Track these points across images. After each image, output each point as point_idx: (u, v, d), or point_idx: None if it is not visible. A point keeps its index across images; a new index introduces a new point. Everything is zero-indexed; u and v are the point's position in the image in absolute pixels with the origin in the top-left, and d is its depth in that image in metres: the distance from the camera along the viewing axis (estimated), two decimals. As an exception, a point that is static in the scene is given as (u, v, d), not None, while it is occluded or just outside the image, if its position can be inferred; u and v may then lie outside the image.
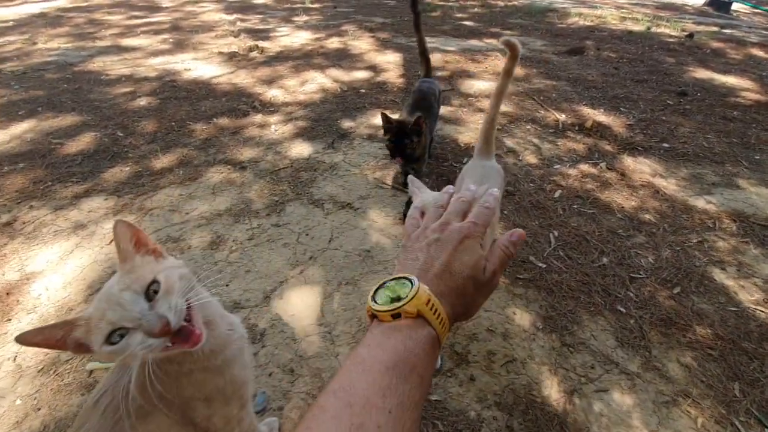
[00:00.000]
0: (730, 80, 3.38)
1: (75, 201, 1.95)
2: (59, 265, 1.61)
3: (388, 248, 1.66)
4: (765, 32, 5.15)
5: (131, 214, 1.87)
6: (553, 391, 1.15)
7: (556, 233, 1.74)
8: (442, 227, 0.48)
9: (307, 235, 1.74)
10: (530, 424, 1.06)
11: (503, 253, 0.47)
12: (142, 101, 2.96)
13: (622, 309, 1.40)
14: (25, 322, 1.39)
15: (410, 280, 0.42)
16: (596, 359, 1.24)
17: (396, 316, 0.41)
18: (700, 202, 1.93)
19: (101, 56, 3.93)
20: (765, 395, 1.14)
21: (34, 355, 1.29)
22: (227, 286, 1.50)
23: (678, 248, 1.67)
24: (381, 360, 0.37)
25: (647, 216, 1.85)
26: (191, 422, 0.73)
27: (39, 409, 1.14)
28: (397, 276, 0.44)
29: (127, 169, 2.19)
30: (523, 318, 1.37)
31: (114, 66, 3.68)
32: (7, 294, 1.49)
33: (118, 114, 2.77)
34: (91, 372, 1.22)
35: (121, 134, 2.52)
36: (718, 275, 1.55)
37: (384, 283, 0.44)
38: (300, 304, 1.43)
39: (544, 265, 1.58)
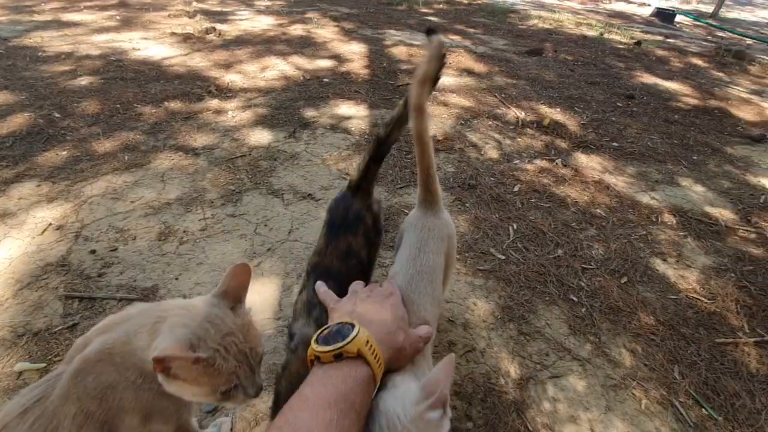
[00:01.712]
0: (673, 86, 3.62)
1: (3, 187, 1.75)
2: (-20, 258, 1.44)
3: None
4: (704, 43, 5.59)
5: (67, 202, 1.70)
6: (510, 379, 1.17)
7: (515, 226, 1.78)
8: (370, 288, 0.58)
9: (265, 226, 1.67)
10: (488, 412, 1.08)
11: (424, 334, 0.64)
12: (84, 81, 2.72)
13: (574, 298, 1.45)
14: (-64, 321, 1.23)
15: (351, 324, 0.48)
16: (551, 347, 1.28)
17: (338, 356, 0.45)
18: (645, 198, 2.05)
19: (39, 31, 3.57)
20: (701, 377, 1.23)
21: (-54, 358, 1.14)
22: (177, 279, 1.40)
23: (625, 240, 1.76)
24: (323, 396, 0.40)
25: (598, 210, 1.94)
26: None
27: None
28: (339, 321, 0.49)
29: (64, 153, 2.00)
30: (483, 308, 1.39)
31: (53, 42, 3.35)
32: None
33: (55, 93, 2.52)
34: (20, 374, 1.10)
35: (59, 115, 2.29)
36: (660, 266, 1.65)
37: (326, 328, 0.48)
38: (257, 298, 1.36)
39: (504, 257, 1.61)
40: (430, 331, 0.67)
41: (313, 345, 0.47)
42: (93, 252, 1.49)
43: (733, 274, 1.63)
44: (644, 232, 1.82)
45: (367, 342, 0.46)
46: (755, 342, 1.35)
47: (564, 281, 1.52)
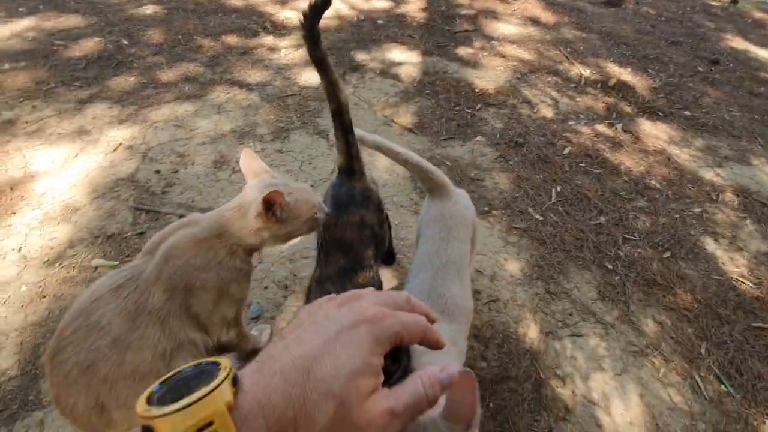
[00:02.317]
0: (765, 54, 3.17)
1: (79, 106, 1.92)
2: (64, 168, 1.62)
3: (390, 184, 1.67)
4: (821, 4, 4.75)
5: (135, 124, 1.85)
6: (529, 330, 1.21)
7: (558, 188, 1.74)
8: (346, 300, 0.31)
9: (310, 164, 1.74)
10: (503, 356, 1.14)
11: (423, 392, 0.28)
12: (149, 9, 2.81)
13: (609, 266, 1.43)
14: (29, 217, 1.43)
15: (214, 371, 0.25)
16: (576, 308, 1.29)
17: (149, 430, 0.23)
18: (708, 174, 1.91)
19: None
20: (728, 357, 1.21)
21: (39, 248, 1.34)
22: (228, 204, 1.52)
23: (677, 216, 1.68)
24: None
25: (653, 182, 1.84)
26: (195, 316, 0.78)
27: (44, 297, 1.21)
28: (202, 360, 0.26)
29: (132, 79, 2.13)
30: (512, 264, 1.41)
31: (119, -33, 3.43)
32: (11, 189, 1.52)
33: (122, 20, 2.64)
34: (96, 268, 1.29)
35: (126, 42, 2.42)
36: (710, 245, 1.57)
37: (176, 372, 0.26)
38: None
39: (541, 218, 1.59)
40: (434, 389, 0.30)
41: (142, 397, 0.25)
42: (158, 172, 1.64)
43: (790, 263, 1.53)
44: (700, 210, 1.72)
45: (208, 425, 0.23)
46: (798, 332, 1.30)
47: (601, 248, 1.49)
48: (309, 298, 0.90)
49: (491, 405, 1.03)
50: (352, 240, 0.89)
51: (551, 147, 1.95)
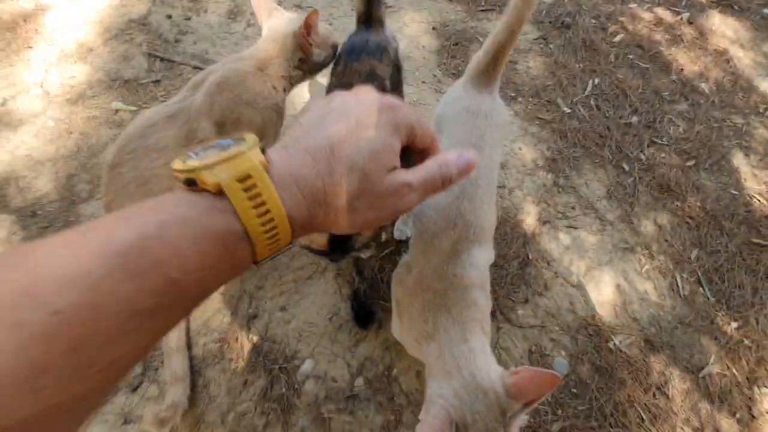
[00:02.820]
0: None
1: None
2: (73, 3, 1.53)
3: (414, 57, 1.56)
4: None
5: (142, -42, 1.67)
6: (528, 217, 1.26)
7: (596, 80, 1.60)
8: (360, 89, 0.32)
9: (330, 24, 1.60)
10: (498, 237, 1.20)
11: (438, 171, 0.31)
12: None
13: (626, 167, 1.40)
14: (46, 52, 1.41)
15: (243, 140, 0.27)
16: (579, 203, 1.31)
17: (191, 183, 0.24)
18: (765, 84, 1.71)
19: None
20: (716, 265, 1.25)
21: (60, 85, 1.35)
22: (243, 60, 1.46)
23: (715, 125, 1.56)
24: (108, 239, 0.21)
25: (703, 85, 1.67)
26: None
27: (71, 133, 1.27)
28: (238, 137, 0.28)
29: None
30: (527, 153, 1.39)
31: None
32: (24, 21, 1.46)
33: None
34: (116, 111, 1.31)
35: None
36: (739, 159, 1.50)
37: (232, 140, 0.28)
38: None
39: (569, 110, 1.51)
40: (448, 169, 0.32)
41: (177, 162, 0.26)
42: (169, 17, 1.54)
43: (818, 187, 1.47)
44: (742, 122, 1.59)
45: (247, 178, 0.24)
46: (795, 251, 1.31)
47: (623, 149, 1.44)
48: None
49: (478, 275, 1.13)
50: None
51: (601, 32, 1.73)
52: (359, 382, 0.97)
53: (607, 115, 1.51)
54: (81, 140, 1.25)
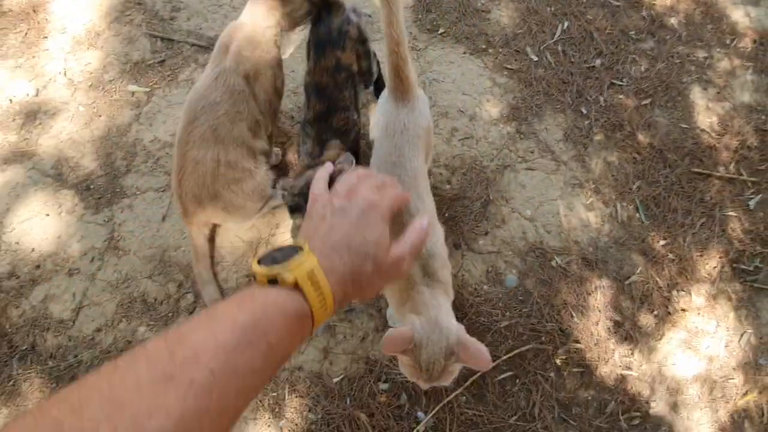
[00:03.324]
0: None
1: None
2: (72, -14, 1.66)
3: (391, 16, 1.66)
4: None
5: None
6: (492, 163, 1.47)
7: (566, 24, 1.69)
8: (348, 194, 0.44)
9: None
10: (464, 182, 1.44)
11: (417, 238, 0.45)
12: None
13: (584, 110, 1.57)
14: (60, 41, 1.58)
15: (300, 247, 0.39)
16: (538, 147, 1.51)
17: (273, 281, 0.36)
18: (737, 14, 1.76)
19: None
20: (654, 193, 1.47)
21: (80, 72, 1.55)
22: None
23: (678, 61, 1.67)
24: (232, 318, 0.32)
25: (672, 20, 1.74)
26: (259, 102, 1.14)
27: (100, 116, 1.49)
28: (293, 244, 0.40)
29: None
30: (493, 105, 1.56)
31: None
32: (34, 11, 1.62)
33: None
34: (133, 93, 1.52)
35: None
36: (695, 94, 1.63)
37: (277, 249, 0.40)
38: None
39: (536, 58, 1.63)
40: (421, 235, 0.47)
41: (253, 262, 0.39)
42: (161, -7, 1.66)
43: (763, 116, 1.61)
44: (705, 55, 1.69)
45: (312, 274, 0.37)
46: (728, 178, 1.51)
47: (583, 93, 1.59)
48: (300, 138, 1.14)
49: (447, 215, 1.39)
50: (326, 84, 1.03)
51: (574, -29, 1.77)
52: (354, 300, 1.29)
53: (572, 60, 1.64)
54: (109, 122, 1.48)
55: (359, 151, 1.18)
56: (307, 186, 0.98)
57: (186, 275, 1.29)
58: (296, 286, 0.36)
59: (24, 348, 1.22)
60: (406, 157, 0.91)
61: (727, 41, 1.72)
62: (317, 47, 1.06)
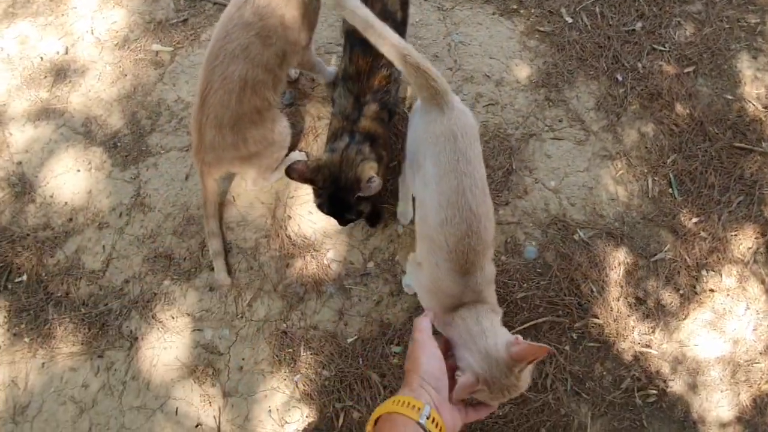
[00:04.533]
0: None
1: None
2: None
3: (418, -26, 1.58)
4: None
5: None
6: (517, 131, 1.42)
7: (606, -17, 1.58)
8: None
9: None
10: (487, 150, 1.39)
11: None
12: None
13: (620, 77, 1.47)
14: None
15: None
16: (568, 115, 1.44)
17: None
18: (803, -29, 1.59)
19: None
20: (691, 167, 1.38)
21: (106, 31, 1.56)
22: None
23: (727, 26, 1.54)
24: None
25: (726, -21, 1.59)
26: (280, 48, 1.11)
27: (125, 76, 1.51)
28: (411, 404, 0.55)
29: None
30: (522, 70, 1.49)
31: None
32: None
33: None
34: (156, 53, 1.52)
35: None
36: (743, 62, 1.51)
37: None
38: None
39: (571, 20, 1.54)
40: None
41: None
42: (184, -50, 1.63)
43: (822, 87, 1.48)
44: (757, 21, 1.55)
45: (433, 420, 0.54)
46: (773, 153, 1.41)
47: (621, 59, 1.49)
48: (334, 91, 1.08)
49: (467, 183, 1.35)
50: None
51: (619, -76, 1.63)
52: (370, 264, 1.30)
53: (610, 23, 1.53)
54: (134, 81, 1.50)
55: (395, 112, 1.15)
56: (334, 194, 0.98)
57: (208, 233, 1.33)
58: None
59: (59, 295, 1.30)
60: (471, 161, 0.83)
61: (787, 4, 1.57)
62: None
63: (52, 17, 1.58)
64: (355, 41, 0.99)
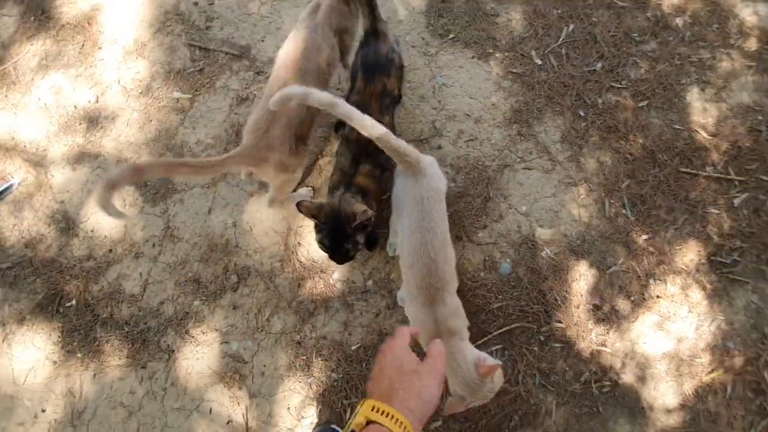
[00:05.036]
0: None
1: None
2: (117, 0, 1.85)
3: (405, 22, 1.79)
4: None
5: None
6: (493, 163, 1.64)
7: (571, 27, 1.79)
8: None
9: None
10: (467, 180, 1.61)
11: (440, 366, 0.63)
12: None
13: (582, 113, 1.69)
14: (113, 51, 1.79)
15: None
16: (537, 148, 1.66)
17: None
18: (745, 12, 1.81)
19: None
20: (642, 191, 1.61)
21: (131, 80, 1.77)
22: (262, 41, 1.78)
23: (678, 62, 1.75)
24: None
25: (678, 20, 1.80)
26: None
27: (151, 121, 1.72)
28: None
29: None
30: (498, 108, 1.70)
31: None
32: (88, 23, 1.82)
33: None
34: (178, 99, 1.73)
35: None
36: (693, 95, 1.72)
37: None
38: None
39: (540, 62, 1.75)
40: (441, 349, 0.66)
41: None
42: (196, 4, 1.83)
43: (760, 117, 1.69)
44: (708, 56, 1.76)
45: (374, 408, 0.50)
46: (715, 177, 1.63)
47: (583, 96, 1.71)
48: (339, 146, 1.29)
49: (450, 210, 1.57)
50: (373, 109, 1.17)
51: (582, -28, 1.84)
52: (369, 283, 1.53)
53: (574, 63, 1.75)
54: (159, 126, 1.71)
55: (387, 168, 1.33)
56: (334, 227, 1.15)
57: (229, 259, 1.55)
58: (369, 422, 0.50)
59: (104, 316, 1.52)
60: (435, 220, 1.07)
61: (732, 41, 1.78)
62: (367, 70, 1.17)
63: (82, 68, 1.78)
64: None
